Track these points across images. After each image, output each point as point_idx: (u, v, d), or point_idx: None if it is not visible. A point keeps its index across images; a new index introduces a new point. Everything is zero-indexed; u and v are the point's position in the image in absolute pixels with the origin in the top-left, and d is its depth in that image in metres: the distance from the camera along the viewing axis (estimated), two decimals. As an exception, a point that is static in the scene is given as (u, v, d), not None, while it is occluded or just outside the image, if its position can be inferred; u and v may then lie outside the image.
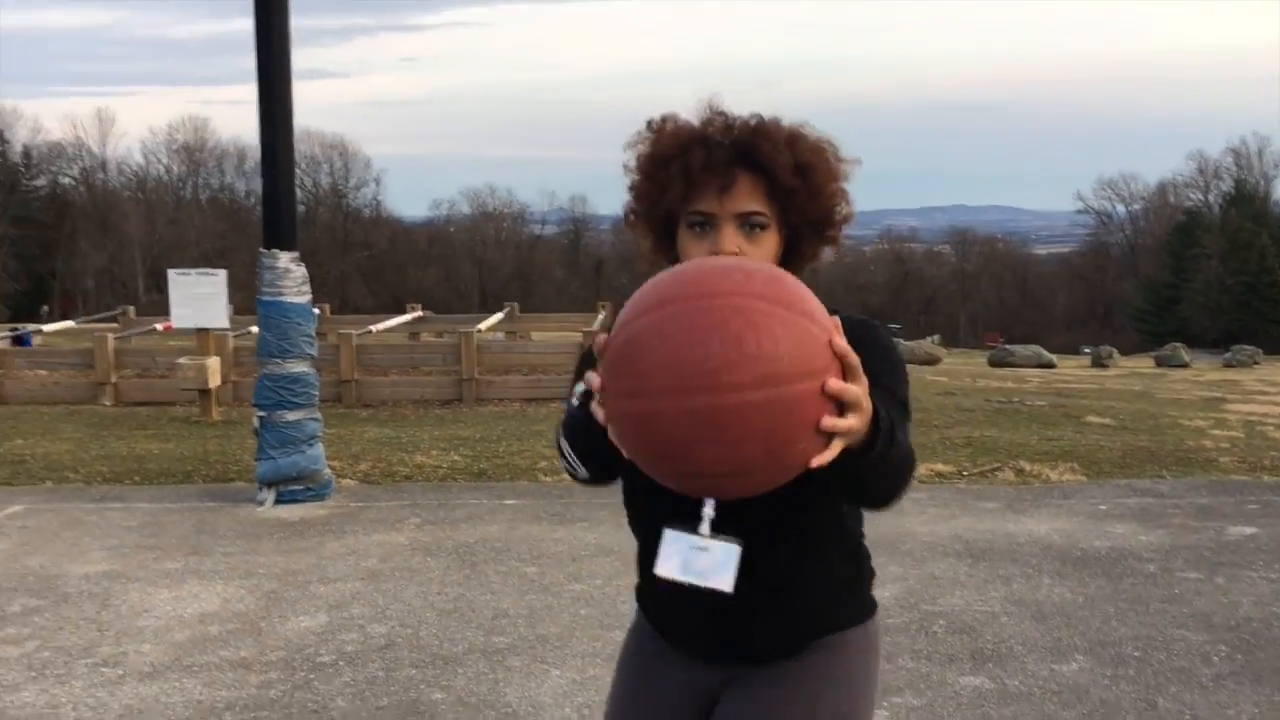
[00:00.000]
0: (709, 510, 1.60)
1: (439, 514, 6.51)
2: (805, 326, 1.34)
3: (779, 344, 1.30)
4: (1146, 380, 19.03)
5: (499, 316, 18.07)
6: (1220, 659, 4.13)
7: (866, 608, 1.86)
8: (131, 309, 23.61)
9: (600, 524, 6.12)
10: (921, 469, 7.52)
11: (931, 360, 27.11)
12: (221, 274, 11.21)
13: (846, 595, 1.82)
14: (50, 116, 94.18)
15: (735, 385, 1.28)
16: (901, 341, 32.62)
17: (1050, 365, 25.43)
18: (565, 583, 5.13)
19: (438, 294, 56.22)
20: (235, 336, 12.87)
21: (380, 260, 66.25)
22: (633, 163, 1.77)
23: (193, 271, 11.40)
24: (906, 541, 5.70)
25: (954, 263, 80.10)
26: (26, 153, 64.56)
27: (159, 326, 16.13)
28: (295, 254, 6.91)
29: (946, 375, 18.28)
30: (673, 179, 1.69)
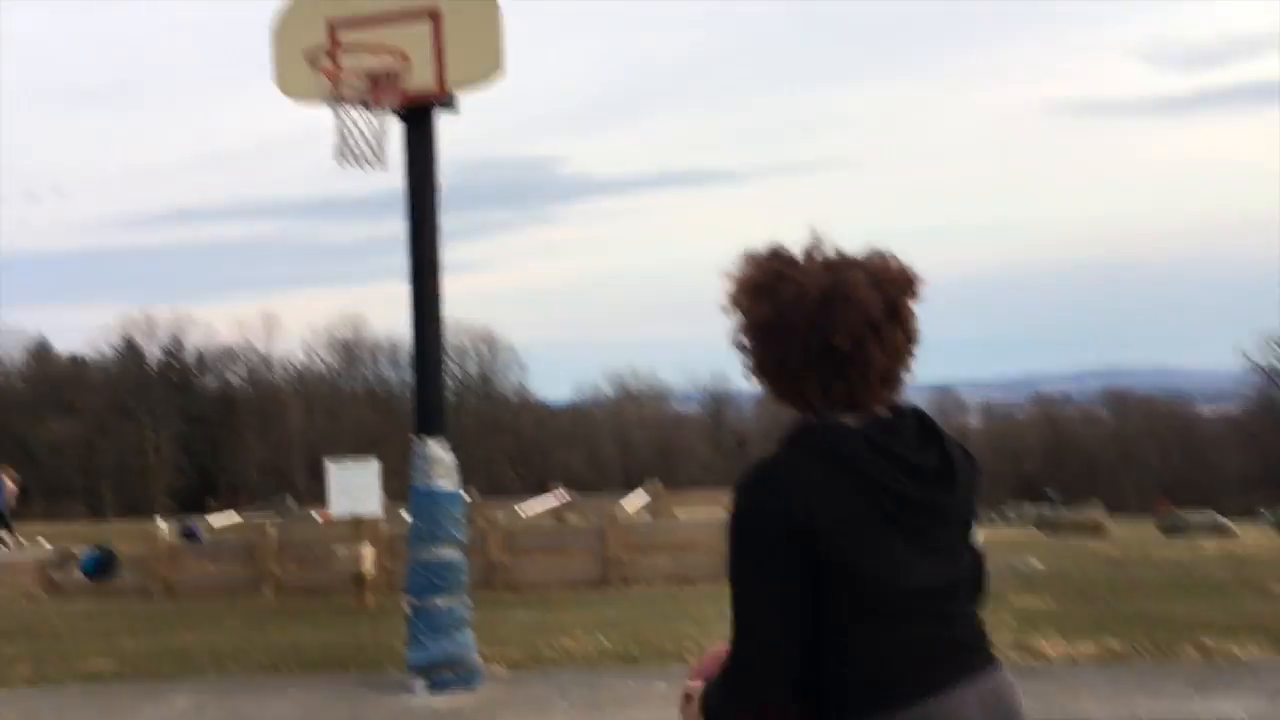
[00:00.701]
0: None
1: (588, 700, 6.40)
2: None
3: None
4: (1336, 544, 17.70)
5: (641, 494, 18.09)
6: None
7: None
8: (292, 499, 24.52)
9: (753, 710, 5.91)
10: (1094, 647, 7.08)
11: (1096, 529, 25.83)
12: (375, 462, 11.58)
13: None
14: (221, 320, 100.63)
15: None
16: (1062, 510, 31.28)
17: (1227, 531, 23.95)
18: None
19: (582, 474, 56.77)
20: (389, 523, 13.20)
21: (527, 444, 67.61)
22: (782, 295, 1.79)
23: (349, 461, 11.84)
24: (1082, 726, 5.33)
25: (1112, 425, 77.12)
26: (199, 355, 69.05)
27: (317, 515, 16.69)
28: (445, 441, 7.11)
29: (1114, 544, 17.37)
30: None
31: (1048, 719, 5.46)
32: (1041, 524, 27.98)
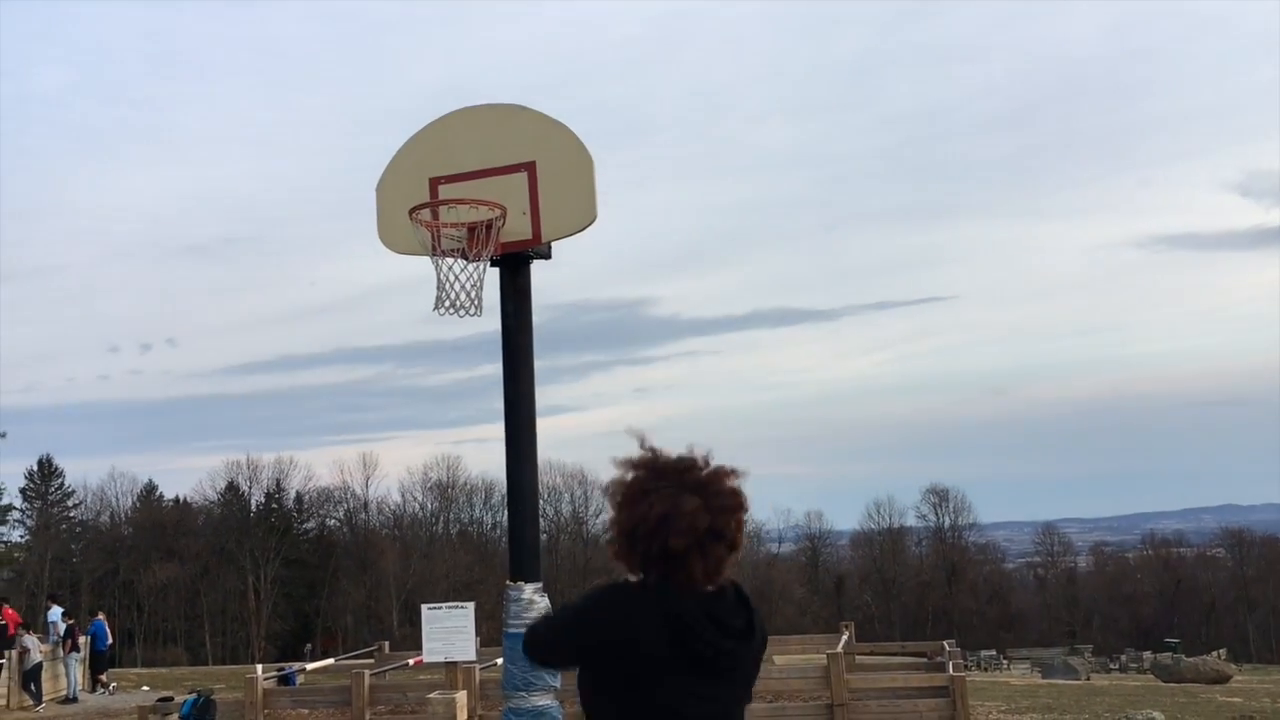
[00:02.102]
0: None
1: None
2: None
3: None
4: None
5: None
6: None
7: None
8: (387, 644, 24.49)
9: None
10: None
11: (1221, 678, 24.39)
12: (470, 607, 11.55)
13: None
14: (321, 464, 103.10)
15: None
16: (1183, 658, 29.67)
17: (1364, 680, 22.39)
18: None
19: (677, 619, 55.70)
20: (483, 669, 13.06)
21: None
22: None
23: (443, 605, 11.82)
24: None
25: (1231, 567, 73.54)
26: (299, 499, 70.33)
27: (411, 661, 16.60)
28: (539, 584, 7.07)
29: (1240, 694, 16.37)
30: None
31: None
32: (1161, 673, 26.55)
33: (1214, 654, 36.10)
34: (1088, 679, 27.24)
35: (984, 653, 47.93)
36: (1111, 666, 43.28)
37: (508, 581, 7.10)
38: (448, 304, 6.76)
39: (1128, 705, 13.35)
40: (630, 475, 2.47)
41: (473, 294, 6.87)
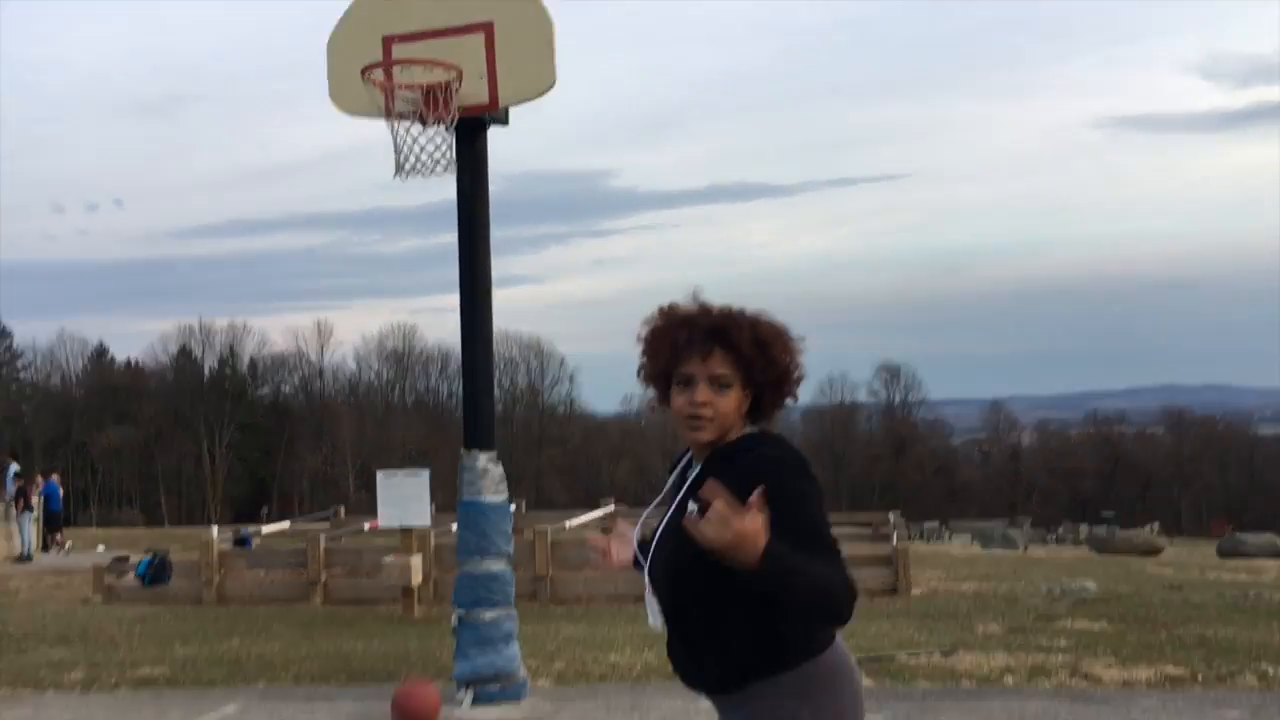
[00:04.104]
0: (647, 583, 2.44)
1: (632, 717, 6.36)
2: None
3: None
4: (1403, 570, 17.20)
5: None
6: None
7: (796, 654, 2.29)
8: (342, 509, 24.75)
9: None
10: (1150, 672, 6.92)
11: (1152, 551, 25.33)
12: (425, 474, 11.64)
13: (764, 643, 2.28)
14: (275, 330, 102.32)
15: None
16: (1117, 531, 30.74)
17: (1288, 554, 23.38)
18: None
19: (630, 486, 56.77)
20: (438, 535, 13.25)
21: (574, 455, 67.77)
22: (642, 334, 2.48)
23: (399, 472, 11.90)
24: (1139, 754, 5.20)
25: (1169, 445, 75.73)
26: (253, 365, 70.00)
27: (366, 525, 16.81)
28: (493, 453, 7.12)
29: (1170, 566, 17.03)
30: (665, 348, 2.40)
31: (1103, 746, 5.35)
32: (1096, 545, 27.52)
33: (1147, 528, 37.40)
34: (1025, 550, 28.20)
35: (927, 524, 49.33)
36: (1049, 538, 44.76)
37: (463, 450, 7.14)
38: (408, 168, 6.62)
39: (1063, 575, 13.84)
40: (653, 324, 2.48)
41: (429, 159, 6.72)
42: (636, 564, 2.59)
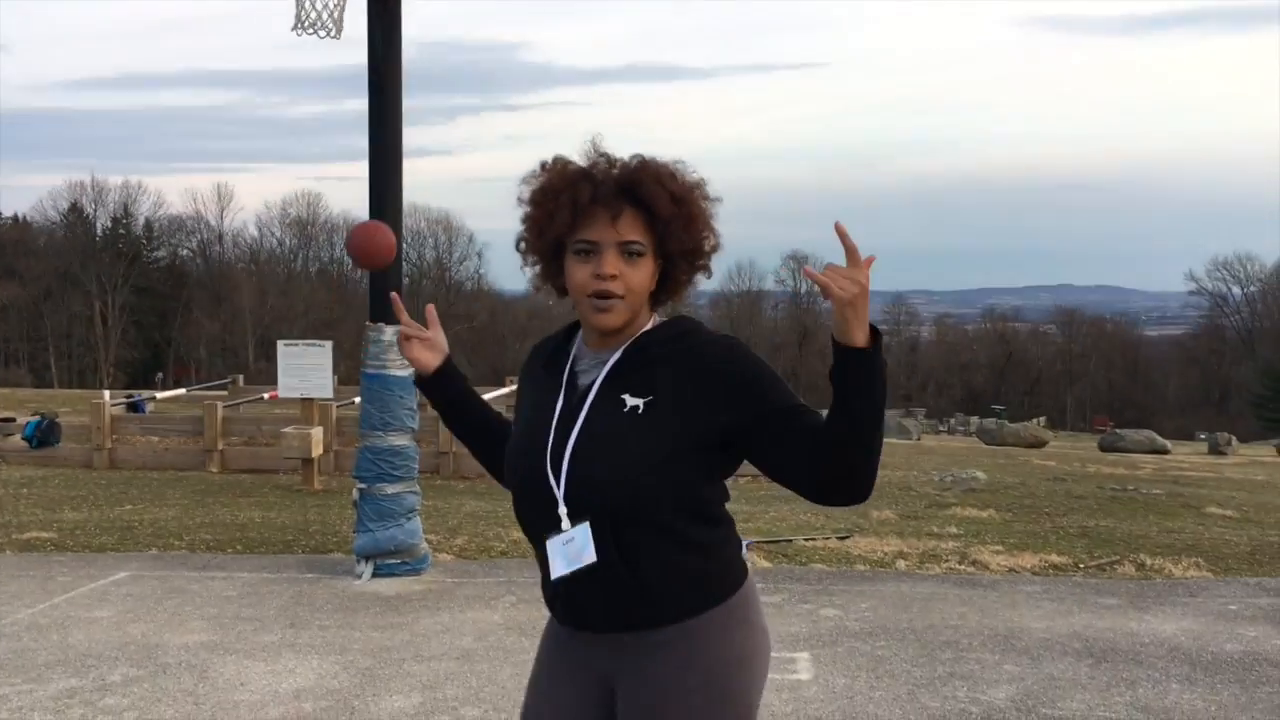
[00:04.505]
0: (563, 509, 1.93)
1: (534, 592, 6.41)
2: None
3: None
4: (1269, 469, 18.15)
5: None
6: (1376, 782, 3.78)
7: (730, 583, 1.98)
8: (241, 378, 24.27)
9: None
10: (1035, 559, 7.20)
11: (1038, 443, 26.35)
12: (328, 345, 11.42)
13: (703, 570, 1.94)
14: (172, 191, 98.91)
15: None
16: (1006, 424, 31.83)
17: (1164, 451, 24.52)
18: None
19: (536, 367, 56.69)
20: (339, 407, 13.07)
21: (481, 333, 67.30)
22: (525, 195, 2.01)
23: (300, 342, 11.65)
24: (1021, 637, 5.41)
25: (1060, 343, 78.27)
26: (149, 226, 67.62)
27: (266, 395, 16.51)
28: (399, 326, 6.96)
29: (1054, 459, 17.70)
30: (561, 209, 1.93)
31: (988, 629, 5.55)
32: (985, 436, 28.49)
33: (1034, 421, 38.76)
34: (918, 439, 29.06)
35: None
36: (941, 429, 46.22)
37: (368, 323, 6.98)
38: (306, 23, 6.27)
39: (953, 464, 14.29)
40: (540, 175, 2.06)
41: (335, 12, 6.38)
42: (432, 390, 2.23)
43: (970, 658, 5.11)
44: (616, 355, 1.98)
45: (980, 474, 12.44)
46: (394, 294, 2.22)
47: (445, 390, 2.26)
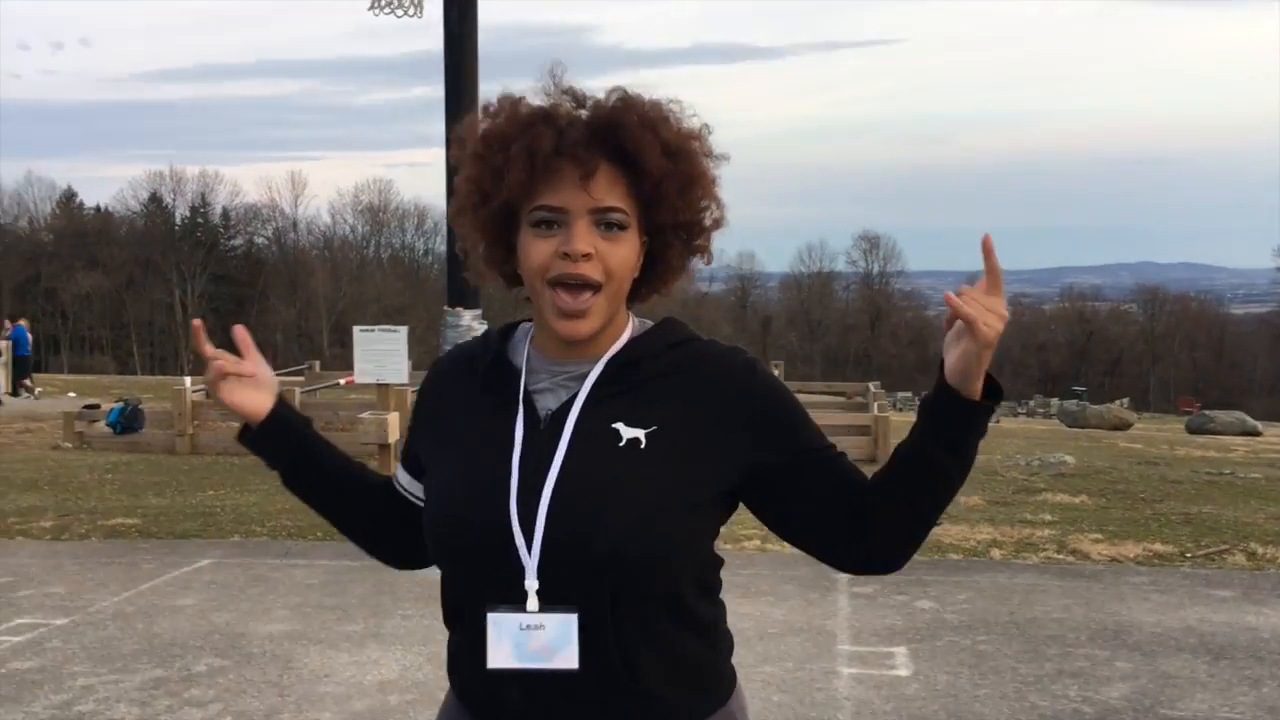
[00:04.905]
0: (531, 583, 1.33)
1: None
2: None
3: None
4: (1372, 452, 17.43)
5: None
6: None
7: (725, 689, 1.47)
8: (317, 363, 24.56)
9: (787, 599, 5.77)
10: (1138, 549, 6.89)
11: (1122, 425, 25.64)
12: (403, 330, 11.40)
13: (703, 660, 1.44)
14: (247, 180, 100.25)
15: None
16: (1088, 405, 31.08)
17: (1255, 433, 23.69)
18: (755, 664, 4.79)
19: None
20: (414, 391, 13.07)
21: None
22: (472, 145, 1.42)
23: (375, 328, 11.64)
24: (1133, 632, 5.14)
25: (1142, 322, 76.36)
26: (226, 215, 68.86)
27: (342, 381, 16.63)
28: (478, 311, 6.87)
29: (1141, 442, 17.16)
30: (513, 163, 1.35)
31: (1095, 623, 5.29)
32: (1066, 418, 27.81)
33: (1117, 403, 37.88)
34: (997, 422, 28.47)
35: (900, 394, 49.82)
36: (1019, 411, 45.34)
37: (445, 308, 6.88)
38: (384, 3, 6.17)
39: (1037, 448, 13.88)
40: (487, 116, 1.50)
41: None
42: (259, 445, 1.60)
43: (1079, 654, 4.86)
44: (596, 369, 1.42)
45: (1068, 458, 12.05)
46: (195, 321, 1.64)
47: (288, 439, 1.60)
